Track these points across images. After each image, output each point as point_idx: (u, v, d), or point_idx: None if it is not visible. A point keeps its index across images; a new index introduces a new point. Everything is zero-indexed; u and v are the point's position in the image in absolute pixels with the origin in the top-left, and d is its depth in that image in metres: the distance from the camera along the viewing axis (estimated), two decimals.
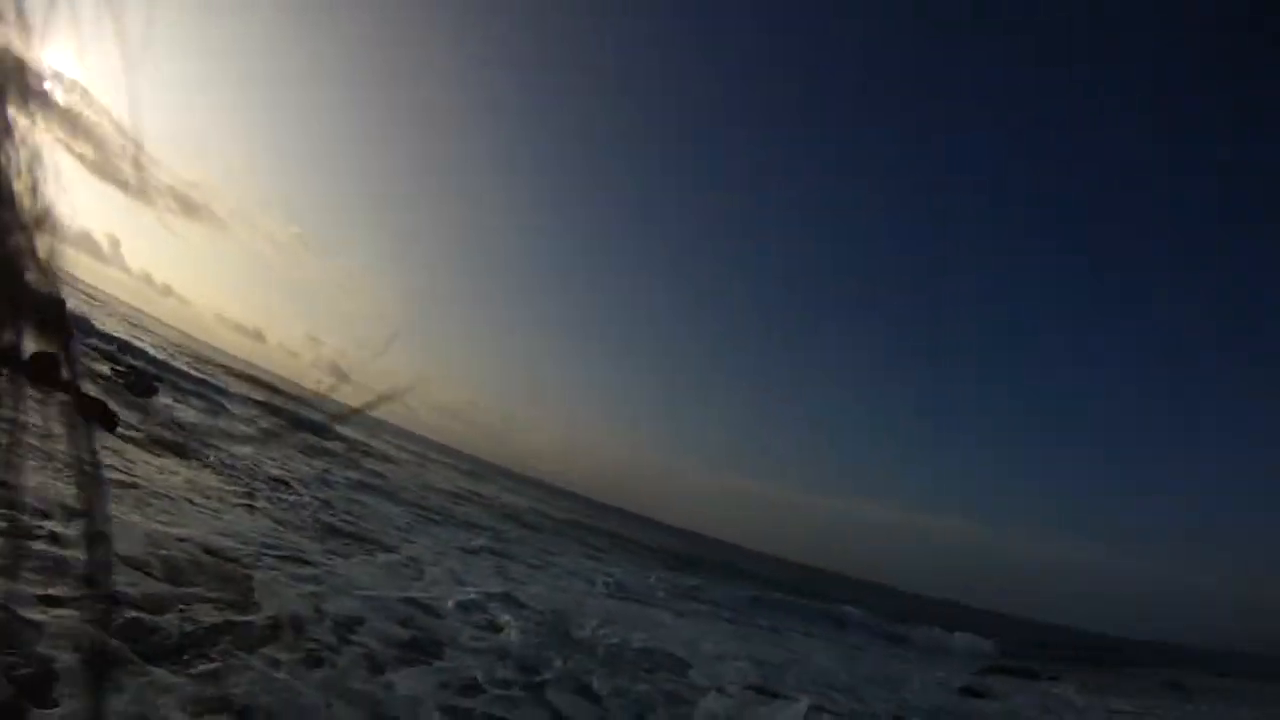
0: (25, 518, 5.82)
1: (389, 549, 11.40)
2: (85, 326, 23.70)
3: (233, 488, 11.06)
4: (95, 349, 20.47)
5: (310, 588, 7.55)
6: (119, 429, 11.19)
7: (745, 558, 74.84)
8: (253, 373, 50.80)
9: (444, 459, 55.03)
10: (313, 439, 22.85)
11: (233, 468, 12.62)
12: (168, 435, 12.88)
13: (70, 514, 6.05)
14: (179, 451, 11.90)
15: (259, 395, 31.16)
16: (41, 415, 2.67)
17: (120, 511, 7.46)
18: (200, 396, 22.24)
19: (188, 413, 17.65)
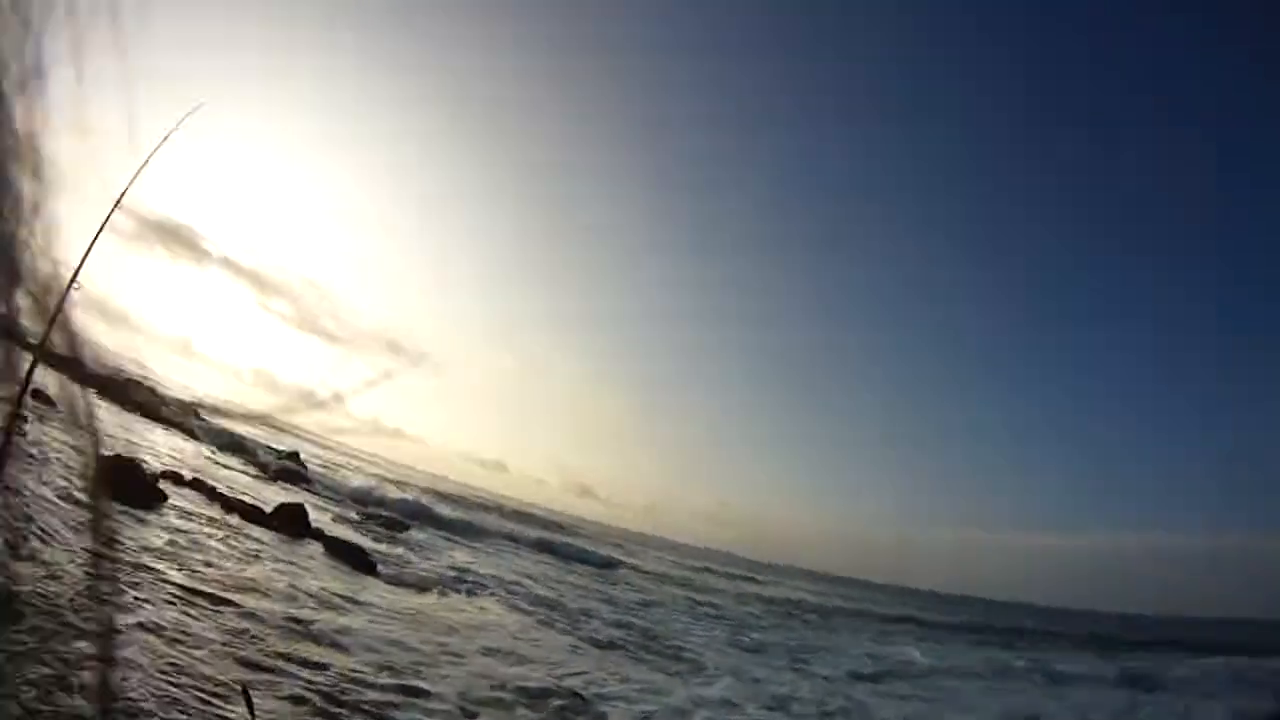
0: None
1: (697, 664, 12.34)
2: (330, 480, 27.06)
3: (520, 617, 11.96)
4: (341, 496, 23.46)
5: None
6: (379, 570, 12.09)
7: (1042, 615, 65.70)
8: (503, 503, 54.84)
9: (712, 565, 53.50)
10: (578, 565, 24.73)
11: (508, 595, 13.77)
12: (426, 573, 14.15)
13: (384, 667, 7.35)
14: (443, 588, 12.99)
15: (512, 525, 34.15)
16: (301, 561, 8.44)
17: (425, 649, 8.29)
18: (456, 531, 24.38)
19: (445, 548, 19.20)
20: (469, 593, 13.18)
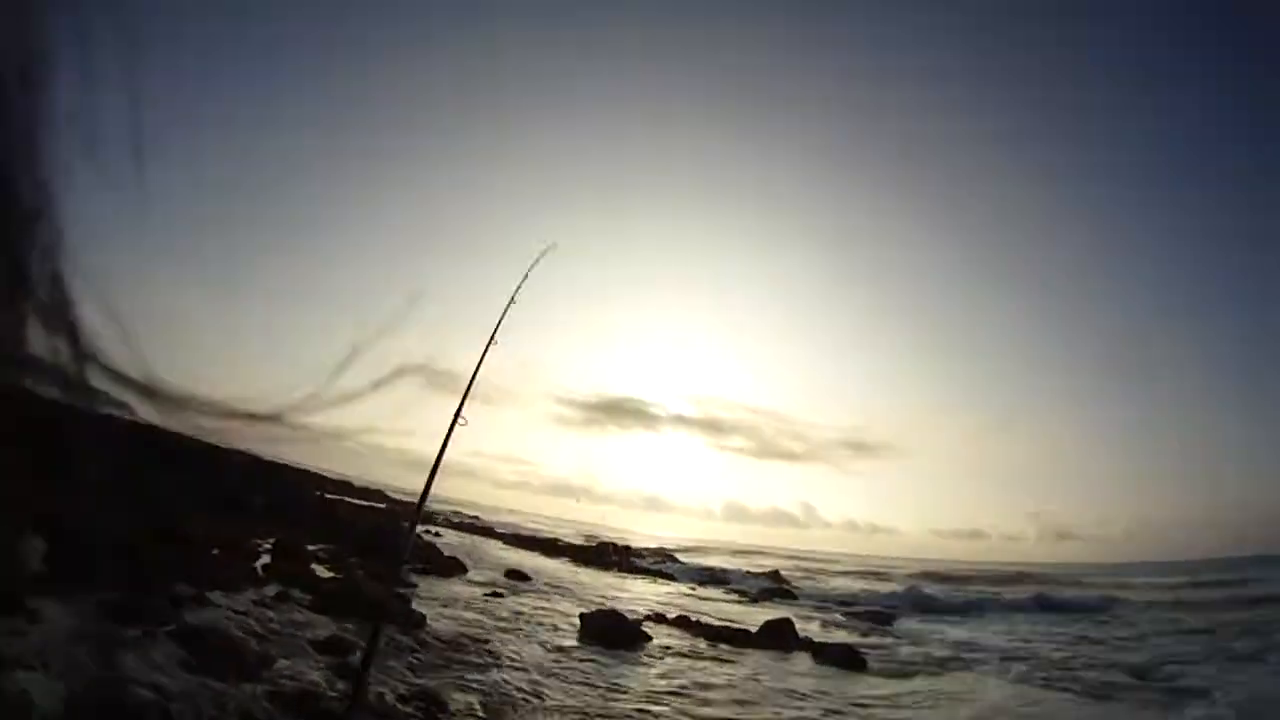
0: None
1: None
2: (813, 589, 27.87)
3: (1011, 682, 12.06)
4: (825, 603, 23.54)
5: None
6: (869, 665, 12.41)
7: None
8: (986, 569, 49.88)
9: (1202, 577, 39.59)
10: (1067, 614, 23.59)
11: (1000, 663, 13.51)
12: (916, 658, 13.62)
13: None
14: (933, 669, 12.81)
15: (997, 589, 31.77)
16: (792, 671, 10.82)
17: None
18: (941, 609, 23.28)
19: (932, 629, 18.31)
20: (961, 668, 12.99)
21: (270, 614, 7.71)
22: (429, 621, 9.44)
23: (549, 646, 10.25)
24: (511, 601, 13.80)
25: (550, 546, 33.21)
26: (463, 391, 4.12)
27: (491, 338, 4.49)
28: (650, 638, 11.91)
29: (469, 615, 11.27)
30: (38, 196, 0.63)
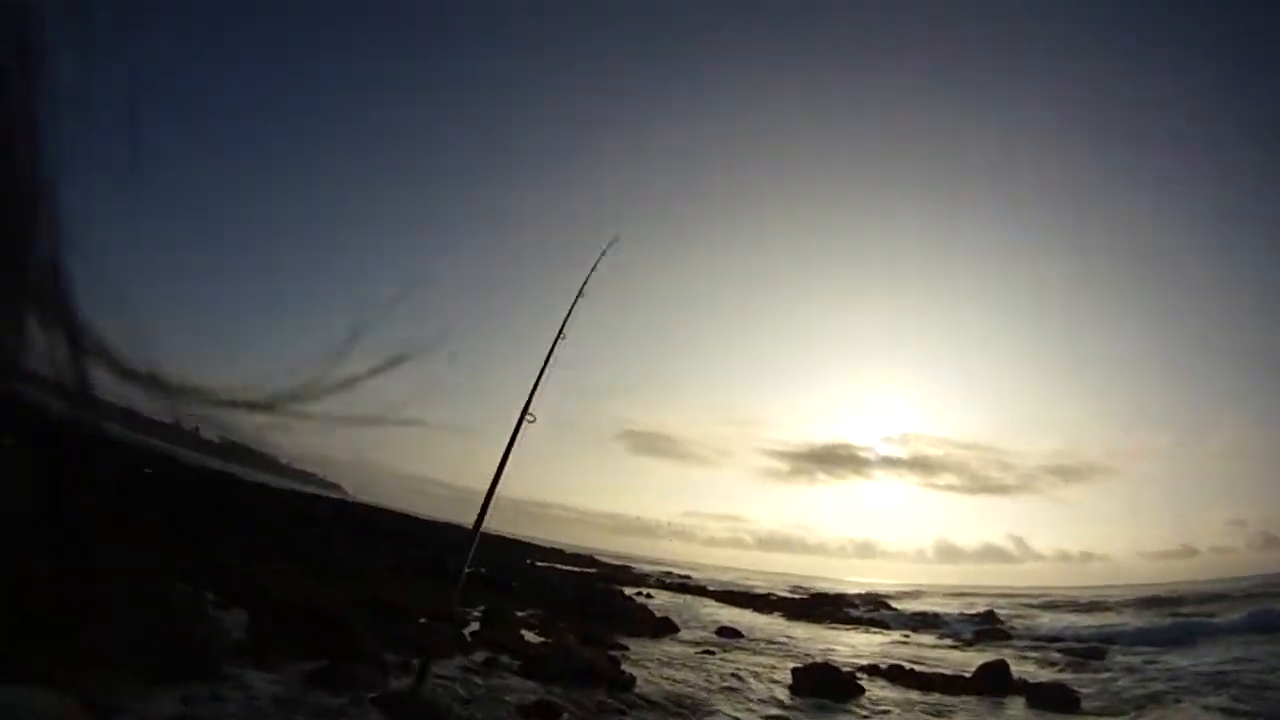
0: None
1: None
2: (1028, 627, 26.34)
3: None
4: (1039, 641, 22.64)
5: None
6: (1082, 705, 12.04)
7: None
8: (1192, 589, 44.19)
9: None
10: None
11: (1214, 694, 12.82)
12: (1130, 695, 13.17)
13: None
14: (1145, 705, 12.32)
15: (1208, 608, 29.30)
16: (1005, 716, 10.90)
17: None
18: (1157, 640, 21.50)
19: (1147, 661, 17.46)
20: (1174, 699, 12.60)
21: (477, 679, 8.03)
22: (639, 683, 9.74)
23: (762, 702, 10.39)
24: (723, 659, 14.06)
25: (762, 601, 32.92)
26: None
27: (560, 332, 4.58)
28: (864, 689, 11.84)
29: (680, 675, 11.58)
30: (36, 183, 0.63)
